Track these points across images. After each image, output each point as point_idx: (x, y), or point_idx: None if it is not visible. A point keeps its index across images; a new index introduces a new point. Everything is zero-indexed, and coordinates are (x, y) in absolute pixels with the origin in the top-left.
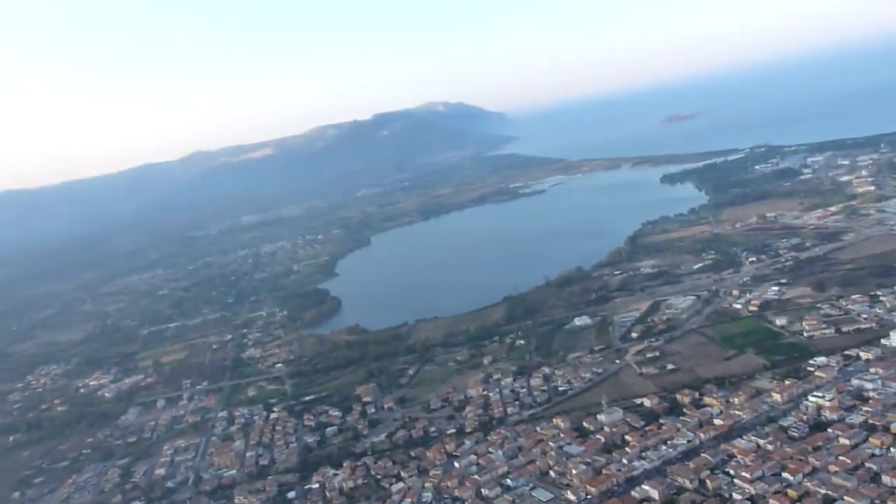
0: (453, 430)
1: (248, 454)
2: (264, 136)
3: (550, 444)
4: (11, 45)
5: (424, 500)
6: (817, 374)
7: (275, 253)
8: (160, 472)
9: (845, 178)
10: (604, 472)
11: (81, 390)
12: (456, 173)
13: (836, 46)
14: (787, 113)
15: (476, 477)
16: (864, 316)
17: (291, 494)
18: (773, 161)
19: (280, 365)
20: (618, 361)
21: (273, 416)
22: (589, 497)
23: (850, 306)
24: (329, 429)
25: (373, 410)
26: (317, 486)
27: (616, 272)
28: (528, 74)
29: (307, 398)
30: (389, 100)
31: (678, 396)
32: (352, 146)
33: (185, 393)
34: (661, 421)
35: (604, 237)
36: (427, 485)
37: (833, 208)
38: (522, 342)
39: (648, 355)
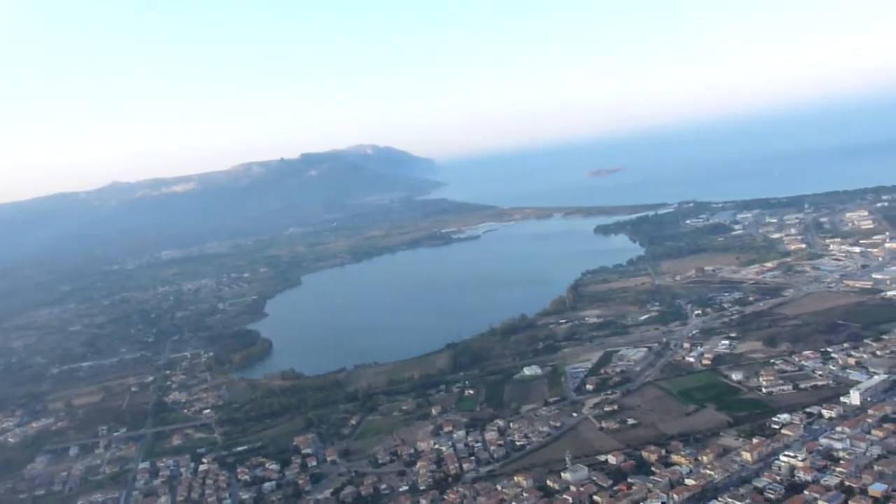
0: (406, 488)
1: None
2: (186, 170)
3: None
4: None
5: None
6: (784, 431)
7: (198, 290)
8: None
9: (776, 236)
10: None
11: None
12: (386, 216)
13: (780, 107)
14: (713, 170)
15: None
16: (819, 372)
17: None
18: (703, 216)
19: (208, 411)
20: (575, 415)
21: (202, 468)
22: None
23: (803, 362)
24: (266, 484)
25: (314, 464)
26: None
27: (561, 321)
28: (455, 123)
29: (240, 448)
30: (317, 140)
31: (644, 454)
32: (278, 185)
33: (101, 440)
34: (629, 480)
35: (544, 285)
36: None
37: (769, 264)
38: (471, 392)
39: (607, 409)
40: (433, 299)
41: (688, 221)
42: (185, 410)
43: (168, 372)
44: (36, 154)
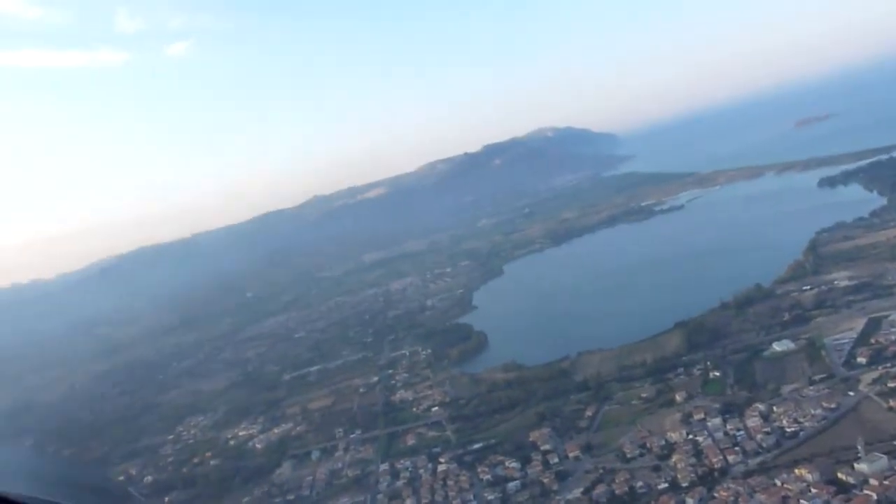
0: (665, 485)
1: None
2: (376, 176)
3: (803, 502)
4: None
5: None
6: None
7: (405, 289)
8: None
9: None
10: None
11: (231, 442)
12: (577, 196)
13: None
14: None
15: None
16: None
17: None
18: None
19: (436, 408)
20: (851, 393)
21: (441, 468)
22: None
23: None
24: (510, 484)
25: (556, 460)
26: None
27: (805, 287)
28: (634, 91)
29: (476, 446)
30: (497, 130)
31: None
32: (464, 179)
33: (339, 443)
34: None
35: (771, 250)
36: None
37: None
38: (717, 374)
39: (891, 384)
40: (647, 276)
41: None
42: (414, 409)
43: (391, 371)
44: (246, 175)
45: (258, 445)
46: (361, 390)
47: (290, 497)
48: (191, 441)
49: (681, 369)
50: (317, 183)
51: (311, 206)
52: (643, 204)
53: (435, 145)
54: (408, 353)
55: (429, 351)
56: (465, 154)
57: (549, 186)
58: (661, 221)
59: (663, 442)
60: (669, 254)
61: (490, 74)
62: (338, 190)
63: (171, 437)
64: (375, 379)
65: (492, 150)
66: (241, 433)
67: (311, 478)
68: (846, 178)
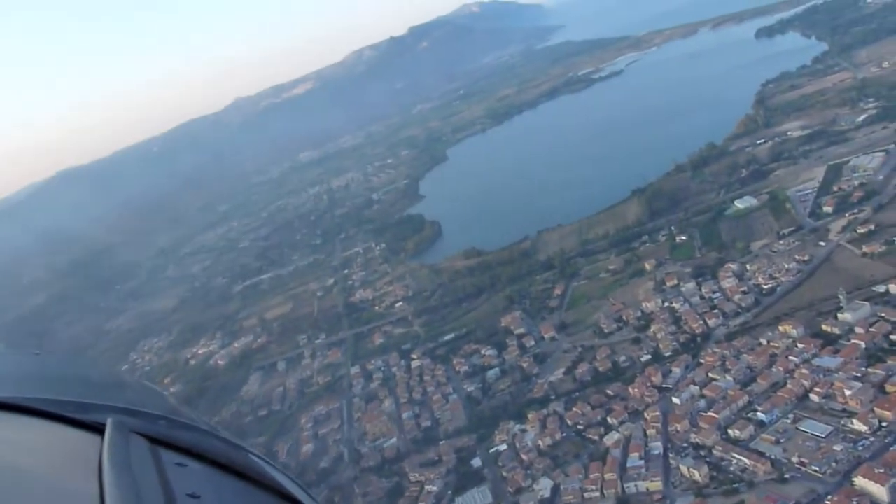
0: (649, 357)
1: (403, 415)
2: (301, 71)
3: (791, 358)
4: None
5: (654, 451)
6: None
7: (347, 185)
8: (307, 449)
9: None
10: (889, 388)
11: (191, 362)
12: (512, 72)
13: None
14: None
15: (712, 414)
16: None
17: (476, 462)
18: None
19: (400, 304)
20: (822, 243)
21: (414, 364)
22: (885, 425)
23: None
24: (489, 372)
25: (532, 343)
26: (504, 447)
27: (759, 141)
28: None
29: (446, 338)
30: (421, 10)
31: None
32: (393, 65)
33: (304, 350)
34: None
35: (719, 107)
36: (650, 431)
37: None
38: (683, 238)
39: (860, 230)
40: (596, 146)
41: (869, 0)
42: (376, 307)
43: (346, 271)
44: (157, 87)
45: (220, 362)
46: (319, 294)
47: (263, 412)
48: (147, 367)
49: (645, 237)
50: (237, 85)
51: (234, 109)
52: (581, 73)
53: (358, 32)
54: (361, 251)
55: (383, 246)
56: (391, 38)
57: (481, 65)
58: (602, 88)
59: (639, 313)
60: (616, 121)
61: None
62: (261, 90)
63: (125, 365)
64: (331, 281)
65: (418, 32)
66: (200, 352)
67: (280, 389)
68: (783, 26)
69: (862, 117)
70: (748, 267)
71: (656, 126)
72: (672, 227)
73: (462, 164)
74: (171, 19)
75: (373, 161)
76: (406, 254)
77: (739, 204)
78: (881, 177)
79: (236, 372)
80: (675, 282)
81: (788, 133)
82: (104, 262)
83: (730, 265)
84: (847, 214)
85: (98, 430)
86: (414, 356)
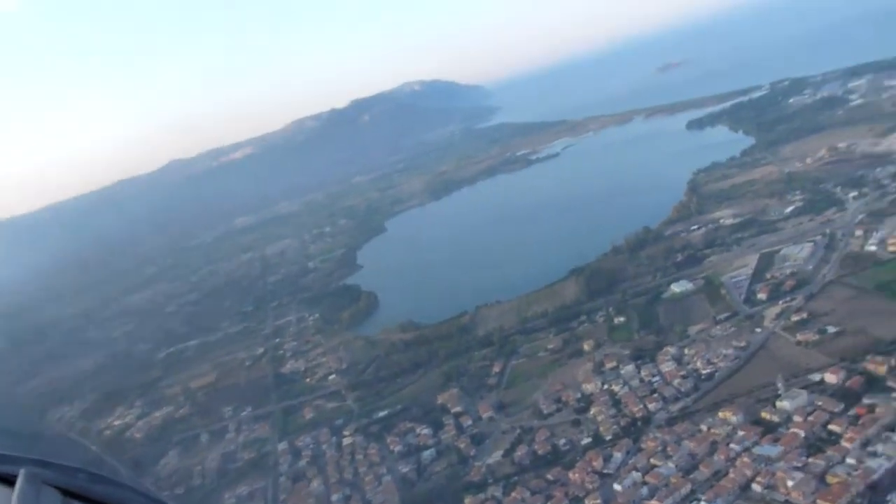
0: (589, 440)
1: (333, 497)
2: (241, 136)
3: (733, 446)
4: None
5: None
6: None
7: (283, 252)
8: None
9: None
10: (830, 479)
11: (106, 432)
12: (451, 149)
13: None
14: (791, 46)
15: (655, 503)
16: None
17: None
18: (806, 92)
19: (333, 377)
20: (758, 330)
21: (346, 441)
22: None
23: None
24: (425, 453)
25: (469, 423)
26: None
27: (693, 227)
28: (500, 42)
29: (380, 415)
30: (364, 84)
31: (869, 366)
32: (334, 135)
33: (229, 423)
34: (865, 401)
35: (653, 193)
36: None
37: None
38: (622, 319)
39: (794, 318)
40: (534, 225)
41: (791, 101)
42: (308, 379)
43: (277, 340)
44: (91, 144)
45: (137, 434)
46: (247, 363)
47: (180, 490)
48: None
49: (584, 317)
50: (174, 147)
51: (169, 170)
52: (519, 154)
53: (301, 101)
54: (294, 320)
55: (317, 316)
56: (333, 110)
57: (422, 140)
58: (539, 170)
59: (579, 394)
60: (553, 201)
61: (356, 26)
62: (199, 153)
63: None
64: (261, 350)
65: (360, 105)
66: (116, 422)
67: (200, 466)
68: (712, 119)
69: (789, 209)
70: (686, 351)
71: (593, 208)
72: (610, 309)
73: (401, 235)
74: (107, 73)
75: (310, 229)
76: (341, 325)
77: (676, 288)
78: (810, 267)
79: (155, 444)
80: (615, 364)
81: (721, 220)
82: (19, 322)
83: (668, 348)
84: (781, 302)
85: (9, 481)
86: (346, 433)
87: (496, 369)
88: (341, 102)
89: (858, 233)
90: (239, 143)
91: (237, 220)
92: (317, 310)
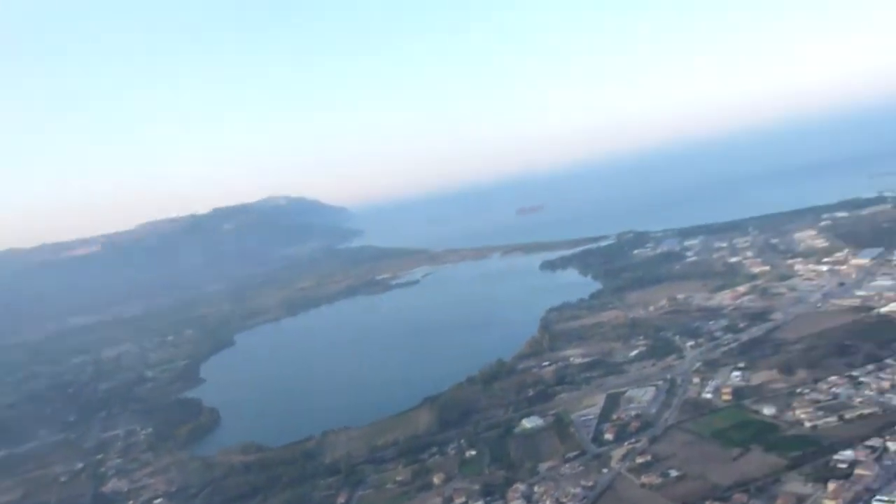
0: None
1: None
2: (88, 231)
3: None
4: None
5: None
6: (858, 471)
7: (119, 357)
8: None
9: (734, 259)
10: None
11: None
12: (312, 266)
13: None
14: (637, 202)
15: None
16: (858, 399)
17: None
18: (648, 245)
19: (159, 501)
20: (605, 470)
21: None
22: None
23: (833, 389)
24: None
25: None
26: None
27: (544, 363)
28: (365, 169)
29: None
30: (228, 194)
31: None
32: (191, 242)
33: None
34: None
35: (507, 326)
36: None
37: (741, 288)
38: (473, 453)
39: (639, 460)
40: (390, 350)
41: (635, 252)
42: (131, 502)
43: (100, 456)
44: None
45: None
46: (62, 479)
47: None
48: None
49: (435, 448)
50: (11, 236)
51: (2, 260)
52: (379, 277)
53: (159, 203)
54: (123, 434)
55: (150, 430)
56: (193, 215)
57: (283, 255)
58: (399, 294)
59: None
60: (410, 327)
61: (225, 135)
62: (39, 244)
63: None
64: (80, 465)
65: (222, 214)
66: None
67: None
68: (564, 262)
69: (634, 352)
70: (536, 489)
71: (449, 336)
72: (462, 441)
73: (251, 351)
74: None
75: (153, 336)
76: (176, 442)
77: (527, 423)
78: (654, 410)
79: None
80: (464, 499)
81: (571, 359)
82: None
83: (518, 485)
84: (626, 443)
85: None
86: None
87: (341, 499)
88: (203, 209)
89: (696, 380)
90: (85, 238)
91: (73, 319)
92: (150, 423)
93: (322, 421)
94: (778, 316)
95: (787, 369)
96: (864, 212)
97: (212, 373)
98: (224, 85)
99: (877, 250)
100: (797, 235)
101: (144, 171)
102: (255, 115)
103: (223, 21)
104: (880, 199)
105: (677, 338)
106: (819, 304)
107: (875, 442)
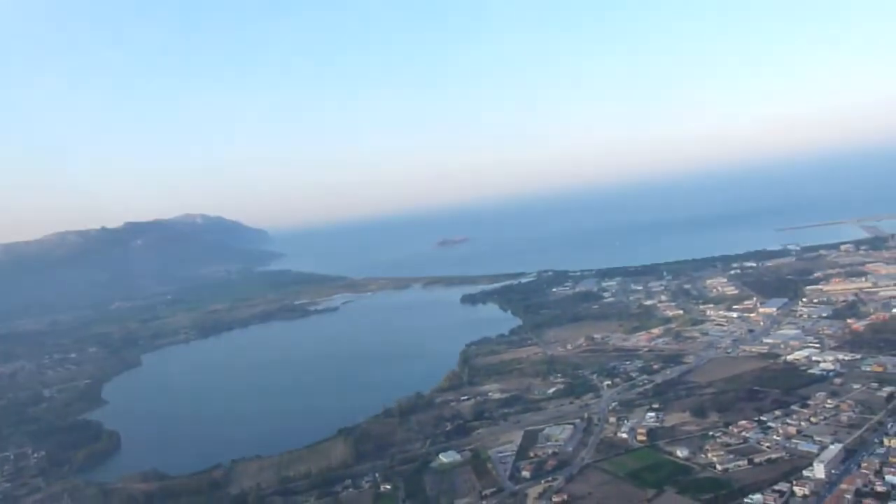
0: None
1: None
2: None
3: None
4: None
5: None
6: None
7: (14, 374)
8: None
9: (649, 302)
10: None
11: None
12: (226, 288)
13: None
14: (556, 242)
15: None
16: (766, 444)
17: None
18: (567, 284)
19: None
20: None
21: None
22: None
23: (743, 433)
24: None
25: None
26: None
27: (463, 398)
28: (290, 192)
29: None
30: (142, 209)
31: None
32: (100, 256)
33: None
34: None
35: (426, 358)
36: None
37: (655, 331)
38: (388, 487)
39: (555, 499)
40: (304, 377)
41: (554, 290)
42: None
43: None
44: None
45: None
46: None
47: None
48: None
49: (349, 481)
50: None
51: None
52: (297, 302)
53: (67, 214)
54: (13, 456)
55: (42, 453)
56: (103, 229)
57: (196, 274)
58: (317, 321)
59: None
60: (327, 355)
61: (141, 147)
62: None
63: None
64: None
65: (134, 229)
66: None
67: None
68: (484, 297)
69: (552, 389)
70: None
71: (367, 366)
72: (377, 475)
73: (158, 373)
74: None
75: (52, 353)
76: (71, 466)
77: (444, 458)
78: (570, 448)
79: None
80: None
81: (489, 394)
82: None
83: None
84: (543, 482)
85: None
86: None
87: None
88: (114, 222)
89: (612, 419)
90: None
91: None
92: (44, 446)
93: (231, 449)
94: (691, 359)
95: (700, 412)
96: (770, 263)
97: (115, 394)
98: (146, 102)
99: (782, 300)
100: (709, 282)
101: (53, 181)
102: (178, 135)
103: (149, 34)
104: (784, 252)
105: (594, 377)
106: (730, 350)
107: (783, 486)
